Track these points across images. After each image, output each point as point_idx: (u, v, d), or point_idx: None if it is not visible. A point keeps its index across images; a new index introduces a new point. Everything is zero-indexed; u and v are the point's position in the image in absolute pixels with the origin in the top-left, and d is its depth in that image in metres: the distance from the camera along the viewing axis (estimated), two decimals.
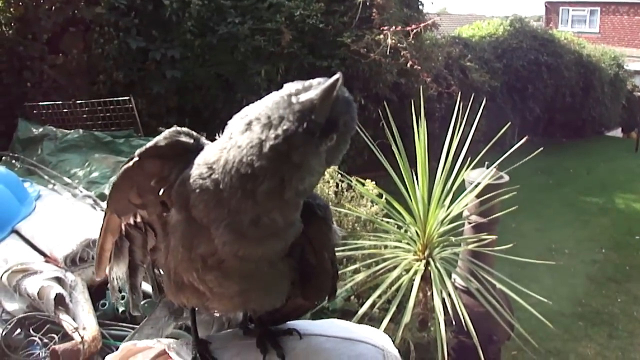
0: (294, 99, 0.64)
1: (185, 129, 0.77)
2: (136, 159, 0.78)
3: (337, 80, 0.63)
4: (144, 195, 0.80)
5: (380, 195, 3.28)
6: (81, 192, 3.60)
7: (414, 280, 2.81)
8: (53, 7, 5.51)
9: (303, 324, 0.86)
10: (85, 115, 5.02)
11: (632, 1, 19.53)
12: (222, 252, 0.70)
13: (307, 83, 0.66)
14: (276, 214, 0.68)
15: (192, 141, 0.75)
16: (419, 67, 6.34)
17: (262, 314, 0.85)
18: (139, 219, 0.84)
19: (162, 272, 0.83)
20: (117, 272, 0.89)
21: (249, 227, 0.68)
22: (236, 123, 0.68)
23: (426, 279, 2.88)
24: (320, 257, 0.80)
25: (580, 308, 5.47)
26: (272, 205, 0.67)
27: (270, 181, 0.65)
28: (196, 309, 0.86)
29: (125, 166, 0.79)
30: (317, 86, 0.65)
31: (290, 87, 0.66)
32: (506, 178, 3.30)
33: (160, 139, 0.76)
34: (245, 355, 0.81)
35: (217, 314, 0.91)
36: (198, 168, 0.69)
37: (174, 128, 0.77)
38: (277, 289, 0.79)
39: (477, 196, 3.09)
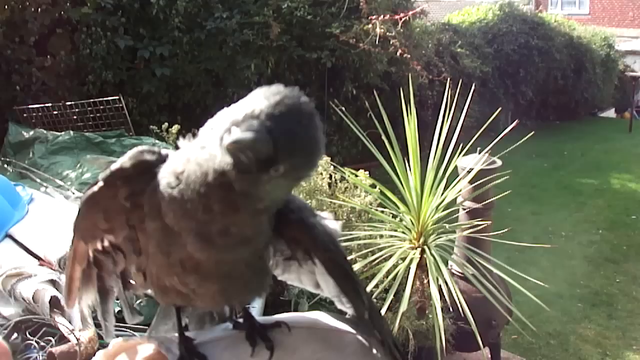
0: (225, 137, 0.62)
1: (147, 148, 0.76)
2: (101, 184, 0.77)
3: (238, 140, 0.59)
4: (112, 219, 0.80)
5: (373, 186, 3.28)
6: (73, 194, 3.59)
7: (410, 268, 2.81)
8: (39, 9, 5.46)
9: (291, 317, 0.86)
10: (75, 117, 4.99)
11: None
12: (197, 256, 0.71)
13: (236, 117, 0.62)
14: (242, 226, 0.68)
15: (155, 158, 0.74)
16: (409, 56, 6.32)
17: None
18: (106, 244, 0.84)
19: (145, 280, 0.83)
20: (87, 300, 0.88)
21: (218, 236, 0.68)
22: (203, 133, 0.67)
23: (422, 266, 2.89)
24: (322, 259, 0.79)
25: (579, 290, 5.49)
26: (231, 220, 0.67)
27: (222, 203, 0.65)
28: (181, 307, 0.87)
29: (90, 191, 0.78)
30: (243, 122, 0.61)
31: (222, 122, 0.64)
32: (499, 163, 3.30)
33: (125, 160, 0.75)
34: (234, 349, 0.81)
35: (206, 310, 0.91)
36: (167, 177, 0.69)
37: (137, 148, 0.76)
38: (257, 284, 0.80)
39: (470, 182, 3.09)
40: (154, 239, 0.75)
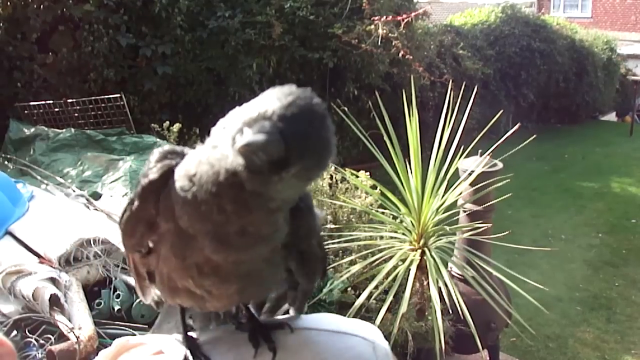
0: (237, 138, 0.62)
1: (169, 149, 0.75)
2: (137, 203, 0.76)
3: (250, 142, 0.60)
4: (152, 226, 0.78)
5: (374, 187, 3.28)
6: (74, 191, 3.59)
7: (410, 270, 2.80)
8: (42, 6, 5.46)
9: (294, 318, 0.86)
10: (76, 114, 4.99)
11: None
12: (215, 258, 0.70)
13: (249, 117, 0.63)
14: (259, 226, 0.68)
15: (177, 161, 0.73)
16: (411, 57, 6.32)
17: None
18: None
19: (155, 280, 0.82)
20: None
21: (235, 237, 0.68)
22: (215, 133, 0.67)
23: (422, 268, 2.88)
24: (308, 244, 0.80)
25: (578, 293, 5.49)
26: (247, 220, 0.67)
27: (234, 203, 0.65)
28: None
29: (128, 212, 0.77)
30: (256, 123, 0.62)
31: (234, 122, 0.64)
32: (500, 165, 3.29)
33: (153, 172, 0.73)
34: (237, 350, 0.80)
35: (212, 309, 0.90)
36: (180, 180, 0.69)
37: (160, 151, 0.75)
38: (272, 279, 0.80)
39: (472, 184, 3.08)
40: (167, 241, 0.74)
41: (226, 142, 0.64)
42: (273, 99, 0.62)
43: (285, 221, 0.72)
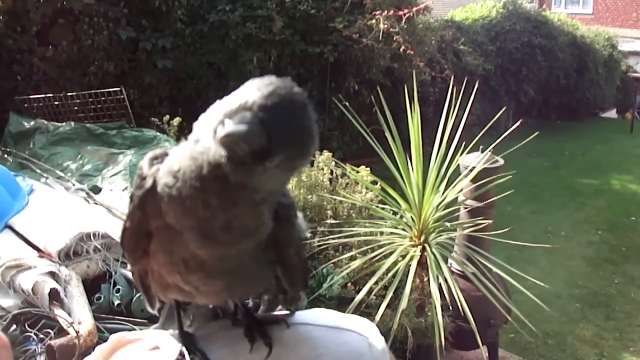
0: (219, 129, 0.62)
1: (153, 154, 0.75)
2: (138, 213, 0.75)
3: (232, 132, 0.60)
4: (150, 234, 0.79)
5: (374, 182, 3.28)
6: (74, 185, 3.58)
7: (410, 266, 2.80)
8: None
9: (291, 314, 0.87)
10: (76, 108, 4.97)
11: None
12: (201, 254, 0.71)
13: (229, 109, 0.63)
14: (244, 220, 0.68)
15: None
16: (412, 52, 6.31)
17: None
18: None
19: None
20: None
21: (220, 232, 0.68)
22: (197, 127, 0.67)
23: (422, 264, 2.88)
24: (285, 253, 0.80)
25: (577, 290, 5.50)
26: (232, 214, 0.67)
27: (219, 197, 0.65)
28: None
29: (129, 224, 0.78)
30: (236, 114, 0.62)
31: (215, 115, 0.64)
32: (501, 162, 3.29)
33: (148, 182, 0.73)
34: (233, 346, 0.81)
35: (210, 306, 0.91)
36: (164, 176, 0.69)
37: (148, 158, 0.75)
38: (260, 277, 0.80)
39: (473, 180, 3.08)
40: (156, 237, 0.74)
41: (208, 135, 0.64)
42: (253, 90, 0.63)
43: (270, 215, 0.71)
